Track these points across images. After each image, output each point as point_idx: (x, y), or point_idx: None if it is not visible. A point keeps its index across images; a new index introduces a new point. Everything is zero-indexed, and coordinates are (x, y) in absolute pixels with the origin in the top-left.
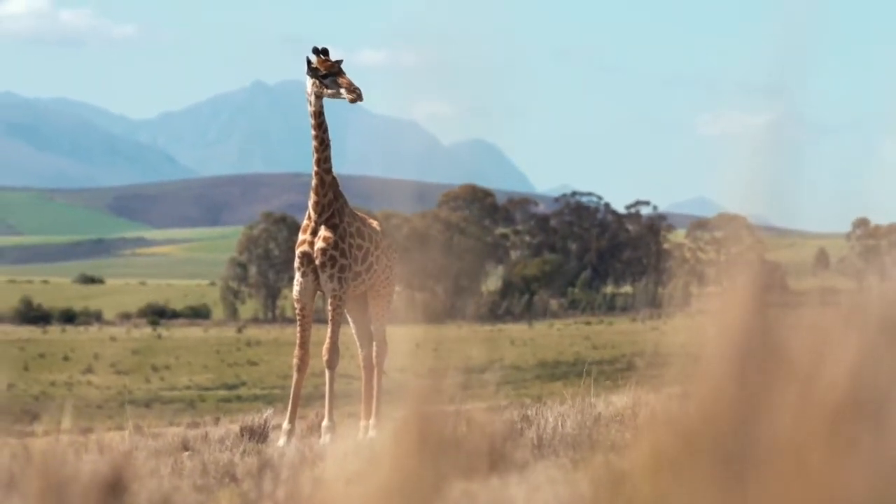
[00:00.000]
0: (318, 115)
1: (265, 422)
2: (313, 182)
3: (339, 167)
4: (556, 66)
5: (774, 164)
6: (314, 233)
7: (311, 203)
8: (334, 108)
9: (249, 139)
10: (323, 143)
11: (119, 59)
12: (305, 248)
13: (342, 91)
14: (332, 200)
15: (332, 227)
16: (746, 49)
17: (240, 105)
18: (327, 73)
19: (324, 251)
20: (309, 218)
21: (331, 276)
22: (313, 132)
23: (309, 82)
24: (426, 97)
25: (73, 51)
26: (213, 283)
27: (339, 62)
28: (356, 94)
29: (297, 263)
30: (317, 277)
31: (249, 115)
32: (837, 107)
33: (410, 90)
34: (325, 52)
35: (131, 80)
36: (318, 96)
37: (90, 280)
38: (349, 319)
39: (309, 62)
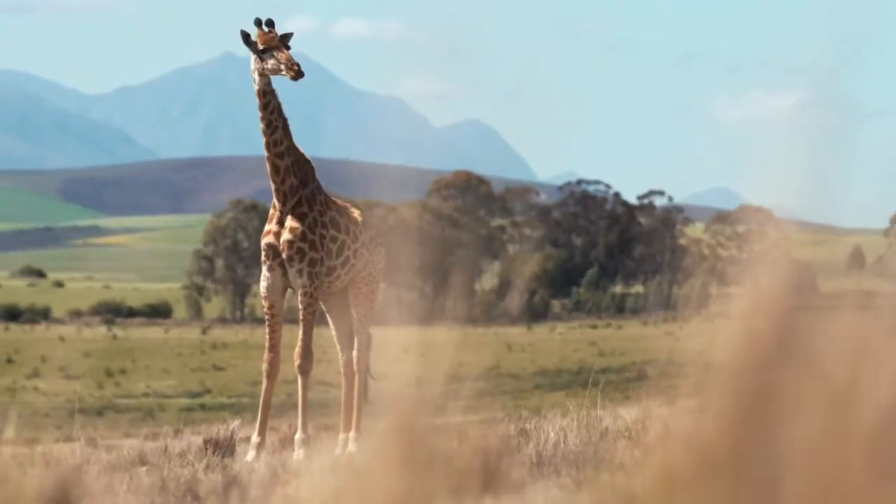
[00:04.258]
0: (264, 95)
1: (232, 434)
2: (267, 168)
3: (316, 149)
4: (560, 41)
5: (811, 151)
6: (280, 223)
7: (273, 191)
8: (312, 85)
9: (217, 118)
10: (270, 126)
11: (72, 27)
12: (271, 238)
13: (281, 67)
14: (298, 186)
15: (299, 217)
16: (770, 25)
17: (207, 79)
18: (266, 47)
19: (290, 243)
20: (274, 207)
21: (299, 271)
22: (259, 113)
23: (252, 58)
24: (415, 73)
25: (21, 18)
26: (169, 280)
27: (286, 35)
28: (294, 71)
29: (262, 257)
30: (285, 272)
31: (217, 90)
32: (881, 88)
33: (396, 65)
34: (269, 23)
35: (86, 50)
36: (262, 73)
37: (35, 274)
38: (329, 320)
39: (247, 35)
